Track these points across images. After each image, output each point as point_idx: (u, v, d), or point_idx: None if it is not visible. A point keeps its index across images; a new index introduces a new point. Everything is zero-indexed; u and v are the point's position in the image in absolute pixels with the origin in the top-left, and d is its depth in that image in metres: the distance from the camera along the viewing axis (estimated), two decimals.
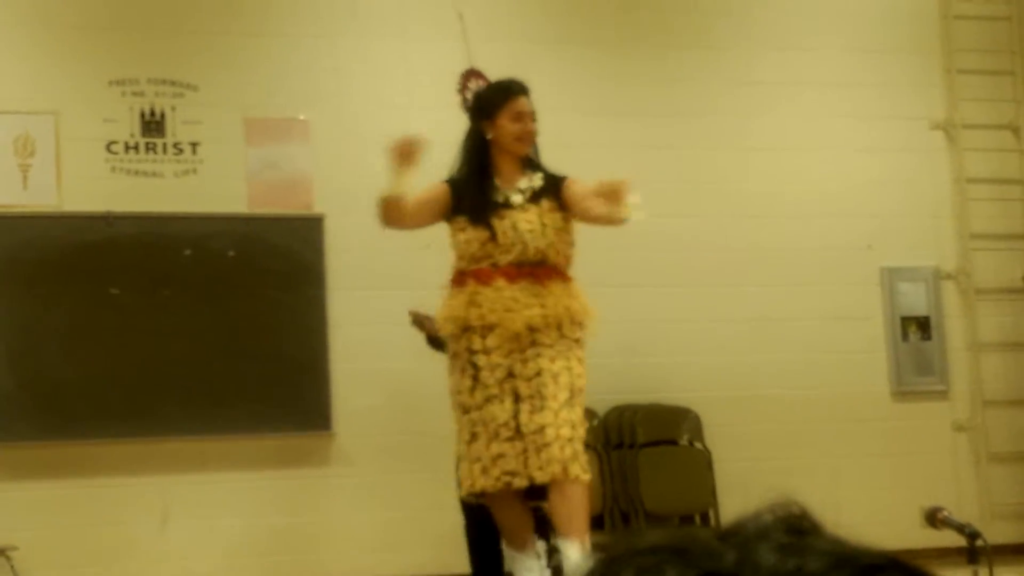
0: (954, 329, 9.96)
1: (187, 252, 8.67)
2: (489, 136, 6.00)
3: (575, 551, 5.68)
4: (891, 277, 9.85)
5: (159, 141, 8.80)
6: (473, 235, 5.94)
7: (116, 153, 8.73)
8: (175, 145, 8.81)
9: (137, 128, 8.78)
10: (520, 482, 5.80)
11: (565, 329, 5.87)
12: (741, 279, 9.54)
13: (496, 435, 5.81)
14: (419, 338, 7.37)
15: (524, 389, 5.80)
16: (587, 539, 5.82)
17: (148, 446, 8.52)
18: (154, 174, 8.76)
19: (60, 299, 8.45)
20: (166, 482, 8.54)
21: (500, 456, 5.81)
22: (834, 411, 9.56)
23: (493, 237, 5.89)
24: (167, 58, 8.87)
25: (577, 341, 5.92)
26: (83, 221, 8.55)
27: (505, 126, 5.96)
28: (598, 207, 5.63)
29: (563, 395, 5.79)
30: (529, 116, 5.99)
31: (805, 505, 0.78)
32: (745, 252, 9.57)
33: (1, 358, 8.37)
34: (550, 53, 9.13)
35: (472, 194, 5.95)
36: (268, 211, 8.85)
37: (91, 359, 8.45)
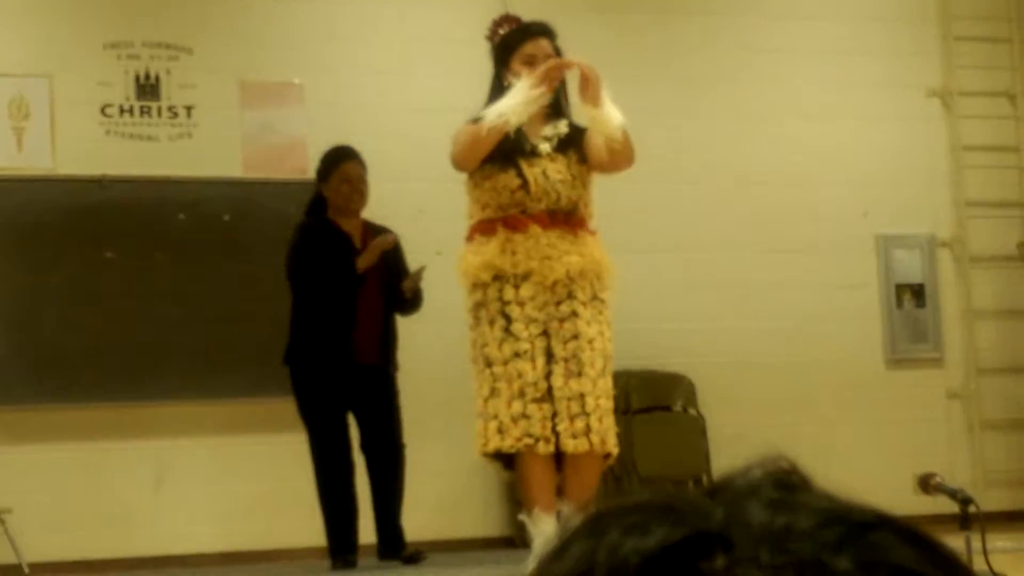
0: (949, 297, 9.97)
1: (181, 216, 8.67)
2: (506, 84, 5.70)
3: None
4: (886, 244, 9.85)
5: (154, 104, 8.78)
6: (502, 182, 5.65)
7: (111, 116, 8.72)
8: (170, 108, 8.80)
9: (132, 91, 8.76)
10: (546, 448, 5.53)
11: (597, 285, 5.64)
12: (736, 246, 9.54)
13: (521, 393, 5.52)
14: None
15: (559, 350, 5.54)
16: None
17: (142, 410, 8.53)
18: (149, 138, 8.75)
19: (55, 263, 8.45)
20: (160, 446, 8.56)
21: (523, 416, 5.51)
22: (828, 378, 9.57)
23: (524, 185, 5.63)
24: (162, 21, 8.84)
25: (604, 302, 5.69)
26: (78, 184, 8.54)
27: (517, 70, 5.68)
28: (596, 136, 5.50)
29: (599, 363, 5.57)
30: (543, 59, 5.67)
31: (794, 460, 0.77)
32: (740, 219, 9.57)
33: None
34: (549, 20, 9.10)
35: (500, 142, 5.59)
36: (263, 175, 8.84)
37: (86, 323, 8.45)
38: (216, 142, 8.81)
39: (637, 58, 9.36)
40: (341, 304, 6.96)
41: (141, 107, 8.77)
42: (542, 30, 5.84)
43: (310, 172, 8.81)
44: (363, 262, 6.93)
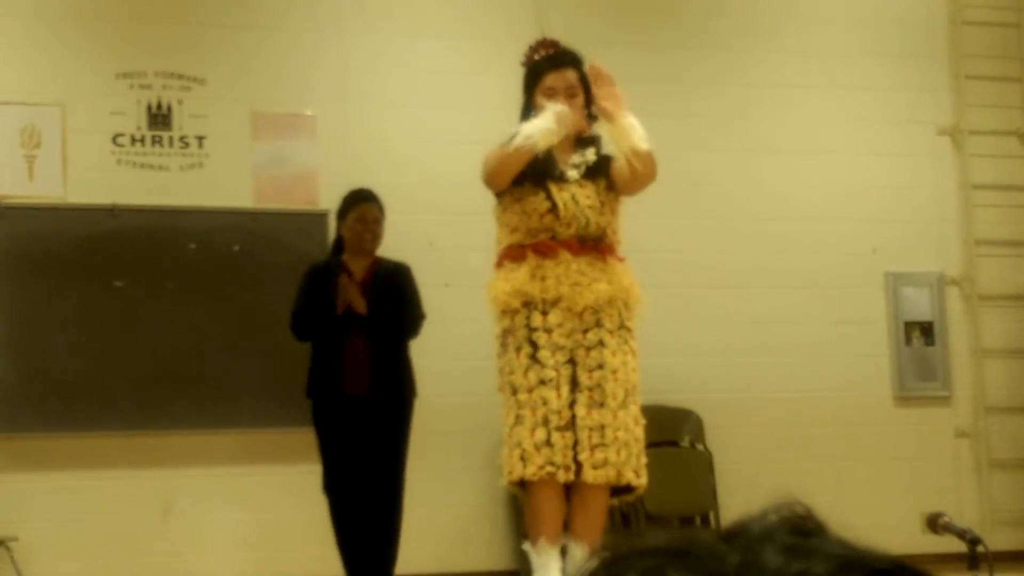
0: (957, 335, 9.95)
1: (192, 246, 8.67)
2: (532, 110, 5.72)
3: (582, 553, 5.53)
4: (895, 282, 9.84)
5: (165, 134, 8.80)
6: (532, 206, 5.66)
7: (122, 146, 8.73)
8: (181, 138, 8.82)
9: (144, 121, 8.78)
10: (566, 476, 5.49)
11: (625, 314, 5.65)
12: (744, 281, 9.54)
13: (545, 421, 5.49)
14: (424, 334, 7.38)
15: (584, 379, 5.53)
16: (598, 547, 5.66)
17: (151, 439, 8.52)
18: (160, 167, 8.77)
19: (64, 291, 8.45)
20: (169, 475, 8.55)
21: (546, 444, 5.48)
22: (836, 415, 9.55)
23: (554, 209, 5.62)
24: (175, 51, 8.87)
25: (631, 331, 5.69)
26: (88, 213, 8.55)
27: (539, 101, 5.70)
28: (622, 155, 5.51)
29: (620, 394, 5.55)
30: (563, 91, 5.69)
31: (809, 505, 0.78)
32: (748, 254, 9.57)
33: (6, 349, 8.37)
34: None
35: (530, 163, 5.60)
36: (273, 206, 8.85)
37: (95, 351, 8.45)
38: (227, 172, 8.82)
39: (647, 92, 9.36)
40: (330, 341, 7.26)
41: (153, 136, 8.79)
42: (568, 60, 5.84)
43: (321, 203, 8.85)
44: (339, 307, 7.19)
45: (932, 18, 10.15)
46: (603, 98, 5.46)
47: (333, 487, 7.27)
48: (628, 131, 5.49)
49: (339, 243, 7.53)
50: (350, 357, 7.20)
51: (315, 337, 7.37)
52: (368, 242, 7.40)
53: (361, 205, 7.44)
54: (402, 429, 7.29)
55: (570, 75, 5.79)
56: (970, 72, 10.09)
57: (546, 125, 5.50)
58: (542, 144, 5.52)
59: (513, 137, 5.61)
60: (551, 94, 5.71)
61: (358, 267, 7.38)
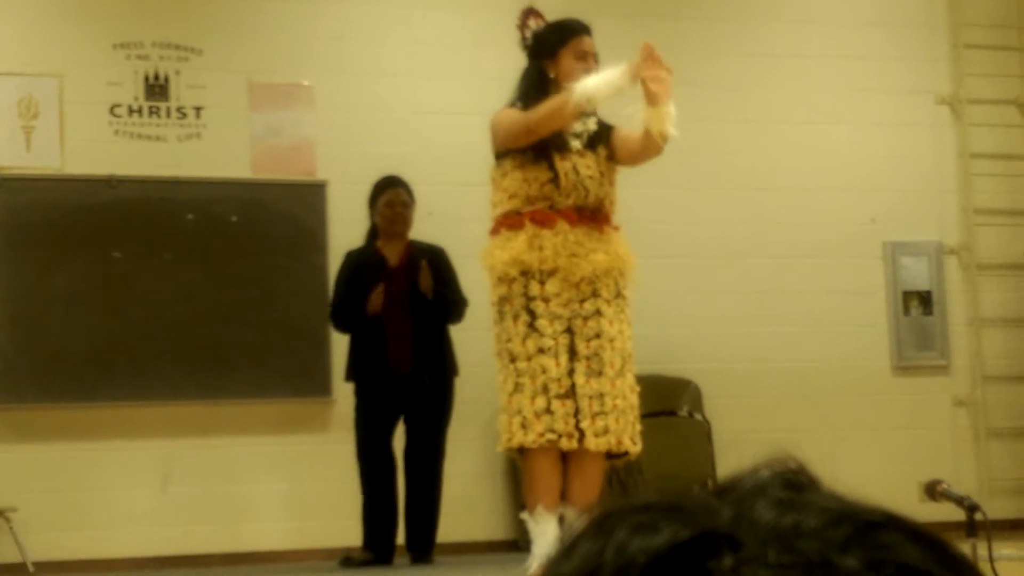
0: (956, 304, 9.96)
1: (190, 217, 8.67)
2: (552, 75, 5.71)
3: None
4: (894, 251, 9.84)
5: (163, 105, 8.79)
6: (533, 174, 5.64)
7: (120, 116, 8.73)
8: (179, 109, 8.80)
9: (141, 91, 8.77)
10: (569, 444, 5.51)
11: (621, 282, 5.66)
12: (743, 251, 9.54)
13: (544, 389, 5.51)
14: None
15: (583, 348, 5.54)
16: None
17: (149, 410, 8.53)
18: (157, 138, 8.76)
19: (62, 262, 8.46)
20: (166, 446, 8.56)
21: (546, 412, 5.50)
22: (835, 384, 9.57)
23: (555, 178, 5.61)
24: (172, 22, 8.85)
25: (626, 299, 5.70)
26: (86, 184, 8.55)
27: (569, 64, 5.67)
28: (639, 126, 5.45)
29: (618, 362, 5.58)
30: (592, 56, 5.71)
31: (802, 461, 0.78)
32: (747, 224, 9.57)
33: (3, 321, 8.38)
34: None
35: None
36: (271, 177, 8.85)
37: (93, 322, 8.46)
38: (225, 143, 8.82)
39: None
40: (370, 325, 7.46)
41: (150, 107, 8.78)
42: (586, 28, 5.82)
43: (318, 174, 8.85)
44: (370, 308, 7.41)
45: None
46: (651, 80, 5.41)
47: (371, 456, 7.52)
48: (665, 117, 5.46)
49: (373, 230, 7.73)
50: (395, 338, 7.43)
51: (351, 331, 7.66)
52: (398, 225, 7.61)
53: (389, 191, 7.65)
54: (445, 407, 7.57)
55: (591, 42, 5.79)
56: (969, 41, 10.07)
57: (606, 85, 5.43)
58: (596, 106, 5.54)
59: (520, 105, 5.62)
60: (584, 57, 5.70)
61: (392, 252, 7.57)
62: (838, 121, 9.82)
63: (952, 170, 10.03)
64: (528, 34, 5.91)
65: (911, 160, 9.95)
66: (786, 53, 9.81)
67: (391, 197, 7.62)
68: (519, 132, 5.64)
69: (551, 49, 5.78)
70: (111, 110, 8.71)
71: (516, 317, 5.59)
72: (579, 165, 5.67)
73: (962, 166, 10.03)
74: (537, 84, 5.74)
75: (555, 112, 5.51)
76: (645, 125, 5.50)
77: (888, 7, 10.04)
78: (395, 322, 7.41)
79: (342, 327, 7.74)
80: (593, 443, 5.54)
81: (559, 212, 5.62)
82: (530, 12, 5.97)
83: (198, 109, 8.82)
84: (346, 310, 7.57)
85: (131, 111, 8.74)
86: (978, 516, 4.94)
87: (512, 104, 5.76)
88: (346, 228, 8.50)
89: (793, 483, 0.75)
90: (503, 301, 5.65)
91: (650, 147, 5.58)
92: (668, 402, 9.13)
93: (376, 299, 7.41)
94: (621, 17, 9.38)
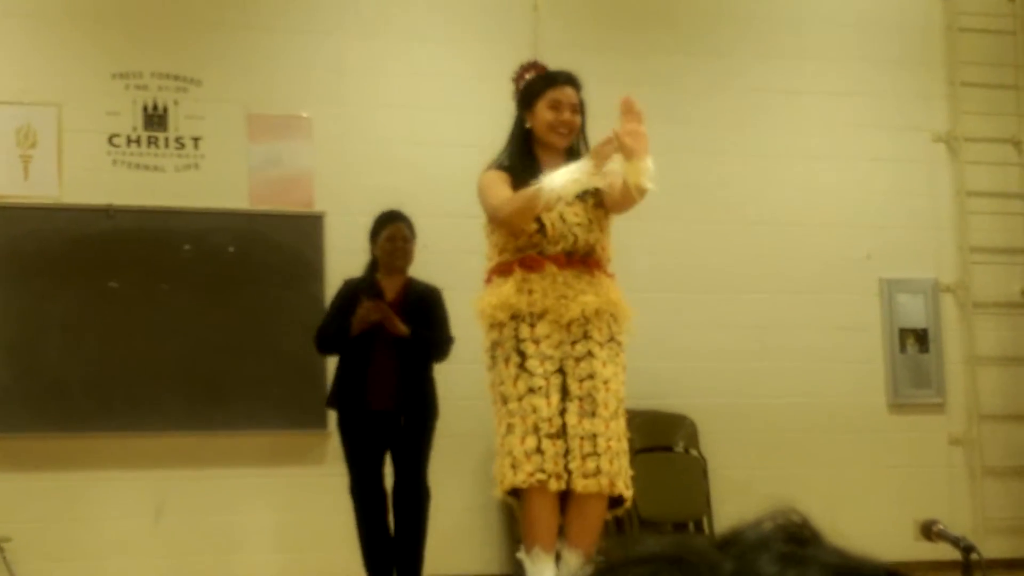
0: (952, 342, 9.96)
1: (187, 247, 8.67)
2: (528, 125, 5.78)
3: (577, 561, 5.50)
4: (890, 288, 9.85)
5: (161, 135, 8.80)
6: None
7: (118, 146, 8.73)
8: (177, 139, 8.81)
9: (139, 121, 8.78)
10: (557, 485, 5.48)
11: (614, 327, 5.63)
12: (740, 287, 9.54)
13: (535, 429, 5.47)
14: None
15: (575, 388, 5.51)
16: (592, 555, 5.65)
17: (144, 440, 8.51)
18: (155, 168, 8.76)
19: (59, 291, 8.45)
20: (161, 477, 8.54)
21: (537, 452, 5.46)
22: (830, 421, 9.55)
23: (541, 228, 5.60)
24: (171, 52, 8.87)
25: (621, 344, 5.67)
26: (83, 214, 8.55)
27: (543, 113, 5.73)
28: (619, 179, 5.43)
29: (612, 404, 5.54)
30: (568, 107, 5.74)
31: (805, 513, 0.77)
32: (744, 260, 9.57)
33: (0, 349, 8.37)
34: (554, 59, 9.12)
35: (519, 185, 5.60)
36: (269, 208, 8.85)
37: (89, 352, 8.45)
38: (223, 174, 8.82)
39: (643, 98, 9.33)
40: (353, 359, 7.43)
41: (148, 137, 8.78)
42: (568, 79, 5.85)
43: (316, 205, 8.85)
44: (355, 328, 7.31)
45: (928, 25, 10.16)
46: (627, 134, 5.41)
47: (361, 493, 7.46)
48: (642, 171, 5.46)
49: (374, 264, 7.68)
50: (376, 374, 7.37)
51: (332, 353, 7.64)
52: (400, 260, 7.59)
53: (391, 225, 7.61)
54: (425, 445, 7.49)
55: (574, 95, 5.81)
56: (966, 79, 10.10)
57: (572, 180, 5.46)
58: (567, 198, 5.53)
59: (501, 164, 5.70)
60: (557, 107, 5.75)
61: (390, 287, 7.54)
62: (835, 157, 9.84)
63: (948, 208, 10.04)
64: (521, 86, 5.95)
65: (907, 197, 9.96)
66: (782, 89, 9.83)
67: (392, 232, 7.60)
68: (492, 218, 5.71)
69: (529, 100, 5.83)
70: (109, 140, 8.72)
71: (507, 360, 5.58)
72: (566, 213, 5.65)
73: (959, 204, 10.04)
74: (515, 136, 5.82)
75: (525, 209, 5.53)
76: (623, 178, 5.50)
77: (885, 44, 10.07)
78: (380, 358, 7.36)
79: (324, 347, 7.68)
80: (581, 484, 5.49)
81: (548, 257, 5.63)
82: (529, 67, 5.99)
83: (196, 140, 8.83)
84: (332, 332, 7.51)
85: (129, 141, 8.75)
86: (974, 556, 4.92)
87: (495, 162, 5.79)
88: (343, 259, 8.50)
89: (796, 537, 0.74)
90: (495, 346, 5.66)
91: (628, 198, 5.56)
92: (664, 438, 9.13)
93: (367, 314, 7.27)
94: (620, 53, 9.41)
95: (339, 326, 7.41)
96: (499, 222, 5.68)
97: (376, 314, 7.27)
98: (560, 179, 5.45)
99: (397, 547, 7.50)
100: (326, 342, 7.59)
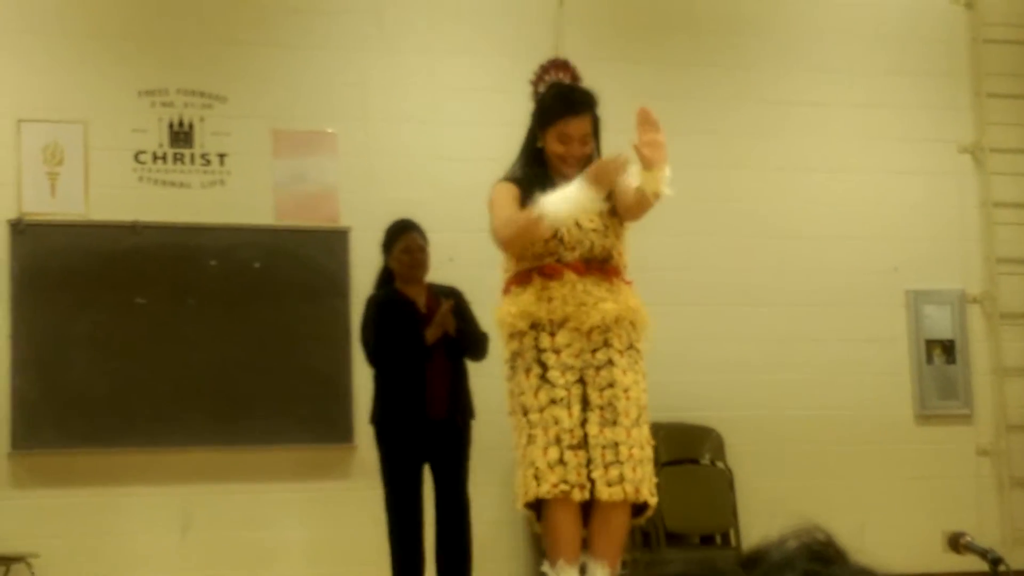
0: (979, 353, 9.93)
1: (213, 263, 8.69)
2: (539, 145, 5.77)
3: (602, 574, 5.50)
4: (916, 300, 9.82)
5: (187, 152, 8.83)
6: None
7: (144, 163, 8.76)
8: (203, 156, 8.84)
9: (165, 138, 8.81)
10: (580, 495, 5.45)
11: (633, 335, 5.61)
12: (766, 299, 9.53)
13: (557, 440, 5.46)
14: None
15: (595, 398, 5.49)
16: (618, 566, 5.65)
17: (170, 456, 8.53)
18: (181, 184, 8.79)
19: (86, 307, 8.48)
20: (187, 492, 8.56)
21: (559, 463, 5.43)
22: (857, 433, 9.53)
23: (557, 235, 5.58)
24: (196, 69, 8.90)
25: (640, 352, 5.65)
26: (110, 230, 8.58)
27: (553, 144, 5.72)
28: (634, 183, 5.42)
29: (634, 412, 5.52)
30: (578, 139, 5.70)
31: (830, 532, 0.77)
32: (769, 272, 9.56)
33: (27, 365, 8.40)
34: (580, 66, 9.13)
35: (528, 198, 5.56)
36: (294, 223, 8.87)
37: (116, 368, 8.47)
38: (248, 190, 8.85)
39: (667, 110, 9.33)
40: (412, 368, 7.31)
41: (174, 154, 8.82)
42: (583, 106, 5.79)
43: (342, 220, 8.87)
44: (431, 335, 7.26)
45: (953, 36, 10.14)
46: (645, 144, 5.41)
47: (400, 507, 7.33)
48: (660, 179, 5.46)
49: (386, 275, 7.61)
50: (434, 379, 7.33)
51: (399, 367, 7.40)
52: (417, 270, 7.53)
53: (405, 236, 7.55)
54: (468, 451, 7.47)
55: (586, 123, 5.76)
56: (991, 90, 10.07)
57: (572, 203, 5.44)
58: (567, 221, 5.52)
59: (514, 178, 5.68)
60: (566, 141, 5.71)
61: (414, 295, 7.51)
62: (860, 169, 9.82)
63: (975, 219, 10.02)
64: (541, 88, 5.89)
65: (934, 209, 9.94)
66: (807, 101, 9.82)
67: (408, 243, 7.54)
68: (496, 238, 5.71)
69: (541, 123, 5.80)
70: (136, 156, 8.75)
71: (528, 370, 5.57)
72: (581, 220, 5.63)
73: (985, 215, 10.01)
74: (528, 147, 5.81)
75: (524, 235, 5.55)
76: (640, 184, 5.49)
77: (910, 56, 10.05)
78: (435, 365, 7.33)
79: (385, 364, 7.46)
80: (606, 493, 5.47)
81: (566, 264, 5.62)
82: (550, 66, 5.95)
83: (222, 156, 8.86)
84: (390, 348, 7.40)
85: (155, 158, 8.78)
86: (1002, 568, 4.91)
87: (508, 172, 5.79)
88: (369, 274, 8.50)
89: (820, 556, 0.75)
90: (515, 356, 5.65)
91: (642, 202, 5.54)
92: (690, 450, 9.11)
93: (444, 319, 7.25)
94: (642, 65, 9.42)
95: (398, 338, 7.33)
96: (498, 243, 5.71)
97: (451, 320, 7.26)
98: (563, 205, 5.44)
99: (442, 560, 7.43)
100: (389, 358, 7.41)
